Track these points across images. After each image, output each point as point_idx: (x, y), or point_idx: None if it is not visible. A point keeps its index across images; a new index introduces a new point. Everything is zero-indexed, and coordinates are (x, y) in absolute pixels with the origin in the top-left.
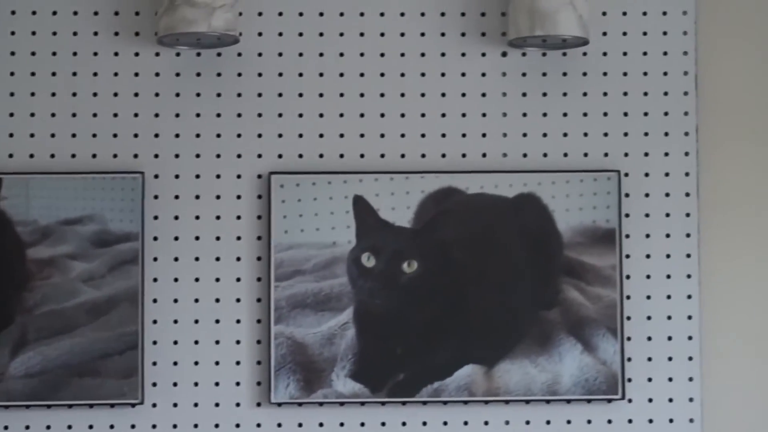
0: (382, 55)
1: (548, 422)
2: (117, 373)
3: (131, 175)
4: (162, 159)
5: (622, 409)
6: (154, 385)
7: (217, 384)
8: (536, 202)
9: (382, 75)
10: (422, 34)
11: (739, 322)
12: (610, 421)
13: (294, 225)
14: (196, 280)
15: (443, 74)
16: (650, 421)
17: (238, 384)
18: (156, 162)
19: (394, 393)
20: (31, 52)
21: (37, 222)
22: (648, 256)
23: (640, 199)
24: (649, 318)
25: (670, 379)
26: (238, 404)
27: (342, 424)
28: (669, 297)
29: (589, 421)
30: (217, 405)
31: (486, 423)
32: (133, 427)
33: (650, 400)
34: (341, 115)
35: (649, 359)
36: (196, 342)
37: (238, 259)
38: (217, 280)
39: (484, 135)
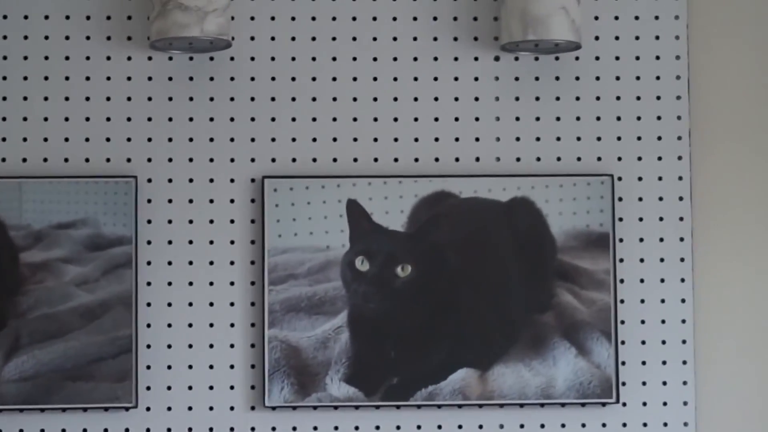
0: (375, 59)
1: (542, 426)
2: (111, 377)
3: (124, 179)
4: (155, 163)
5: (616, 413)
6: (148, 388)
7: (211, 388)
8: (530, 206)
9: (375, 79)
10: (414, 39)
11: (733, 326)
12: (604, 425)
13: (287, 229)
14: (190, 284)
15: (436, 78)
16: (645, 424)
17: (232, 388)
18: (149, 166)
19: (389, 397)
20: (23, 57)
21: (30, 226)
22: (642, 260)
23: (634, 203)
24: (643, 322)
25: (665, 383)
26: (232, 408)
27: (336, 428)
28: (663, 301)
29: (583, 425)
30: (211, 409)
31: (480, 427)
32: (127, 430)
33: (644, 404)
34: (334, 119)
35: (643, 363)
36: (190, 346)
37: (232, 263)
38: (211, 284)
39: (477, 139)
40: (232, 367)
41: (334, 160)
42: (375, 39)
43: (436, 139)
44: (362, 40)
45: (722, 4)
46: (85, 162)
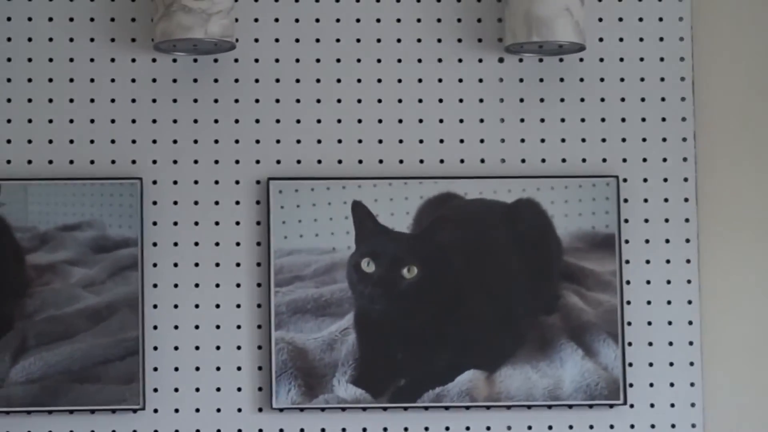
0: (379, 60)
1: (550, 427)
2: (118, 379)
3: (129, 180)
4: (160, 165)
5: (624, 415)
6: (155, 390)
7: (218, 389)
8: (535, 207)
9: (379, 81)
10: (419, 40)
11: (740, 327)
12: (612, 426)
13: (293, 231)
14: (196, 285)
15: (440, 80)
16: (652, 426)
17: (239, 389)
18: (154, 168)
19: (396, 398)
20: (27, 59)
21: (36, 228)
22: (648, 262)
23: (639, 204)
24: (649, 323)
25: (672, 384)
26: (239, 410)
27: (344, 430)
28: (669, 302)
29: (591, 427)
30: (218, 411)
31: (488, 428)
32: None
33: (652, 405)
34: (339, 120)
35: (651, 364)
36: (197, 348)
37: (238, 264)
38: (217, 285)
39: (482, 141)
40: (239, 368)
41: (339, 161)
42: (379, 41)
43: (441, 141)
44: (366, 41)
45: (726, 6)
46: (90, 164)
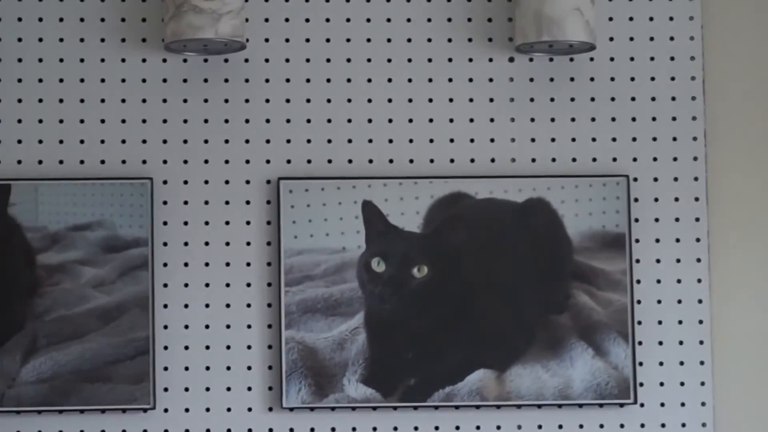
0: (389, 60)
1: (560, 427)
2: (128, 379)
3: (140, 180)
4: (170, 165)
5: (634, 414)
6: (166, 390)
7: (228, 389)
8: (545, 206)
9: (390, 81)
10: (429, 40)
11: (750, 326)
12: (622, 426)
13: (303, 230)
14: (207, 285)
15: (450, 80)
16: (663, 425)
17: (249, 389)
18: (164, 168)
19: (406, 398)
20: (38, 59)
21: (46, 228)
22: (658, 261)
23: (650, 203)
24: (660, 322)
25: (682, 384)
26: (249, 409)
27: (354, 429)
28: (680, 302)
29: (601, 426)
30: (228, 410)
31: (498, 427)
32: None
33: (662, 405)
34: (349, 120)
35: (661, 364)
36: (207, 347)
37: (248, 264)
38: (228, 285)
39: (492, 140)
40: (249, 368)
41: (350, 161)
42: (389, 40)
43: (451, 140)
44: (377, 41)
45: (737, 5)
46: (101, 164)
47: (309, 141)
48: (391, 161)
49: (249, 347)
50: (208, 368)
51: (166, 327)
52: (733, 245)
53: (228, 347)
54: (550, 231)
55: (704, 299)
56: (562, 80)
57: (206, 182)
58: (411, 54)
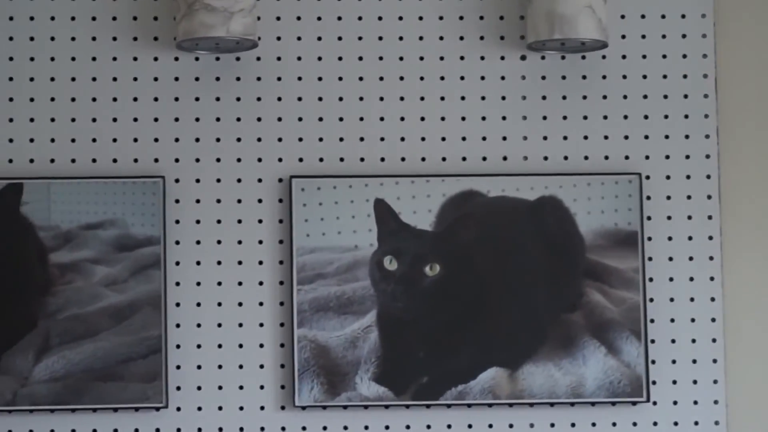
0: (401, 58)
1: (573, 425)
2: (141, 377)
3: (152, 179)
4: (183, 163)
5: (647, 412)
6: (178, 388)
7: (241, 387)
8: (558, 204)
9: (402, 78)
10: (441, 38)
11: (763, 324)
12: (635, 424)
13: (316, 228)
14: (219, 284)
15: (462, 78)
16: (675, 423)
17: (262, 387)
18: (177, 166)
19: (419, 396)
20: (50, 58)
21: (58, 227)
22: (670, 259)
23: (662, 201)
24: (672, 320)
25: (695, 382)
26: (262, 407)
27: (366, 428)
28: (692, 300)
29: (614, 424)
30: (241, 408)
31: (511, 426)
32: (157, 430)
33: (675, 403)
34: (361, 118)
35: (674, 362)
36: (220, 346)
37: (261, 262)
38: (240, 283)
39: (504, 138)
40: (261, 366)
41: (362, 159)
42: (401, 38)
43: (464, 138)
44: (388, 39)
45: (749, 2)
46: (113, 162)
47: (321, 139)
48: (403, 159)
49: (261, 346)
50: (220, 367)
51: (178, 325)
52: (745, 243)
53: (240, 346)
54: (563, 229)
55: (717, 297)
56: (574, 78)
57: (218, 181)
58: (423, 52)
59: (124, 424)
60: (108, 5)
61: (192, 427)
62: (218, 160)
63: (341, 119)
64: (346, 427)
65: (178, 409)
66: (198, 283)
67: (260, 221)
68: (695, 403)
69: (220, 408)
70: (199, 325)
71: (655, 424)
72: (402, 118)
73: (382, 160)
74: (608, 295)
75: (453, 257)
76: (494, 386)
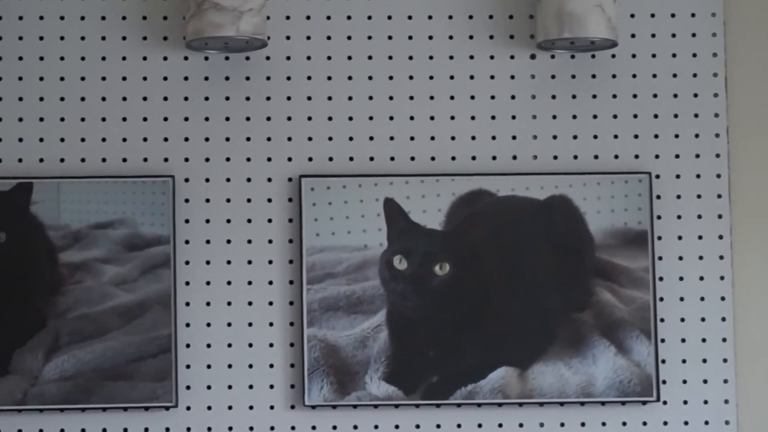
0: (411, 57)
1: (583, 424)
2: (150, 377)
3: (162, 178)
4: (192, 163)
5: (657, 411)
6: (188, 388)
7: (250, 387)
8: (568, 204)
9: (411, 78)
10: (450, 37)
11: None
12: (645, 423)
13: (325, 228)
14: (228, 283)
15: (472, 77)
16: (686, 423)
17: (271, 387)
18: (186, 166)
19: (428, 395)
20: (59, 57)
21: (68, 226)
22: (680, 258)
23: (672, 200)
24: (682, 320)
25: (705, 381)
26: (272, 407)
27: (376, 427)
28: (702, 299)
29: (624, 423)
30: (251, 408)
31: (521, 425)
32: (167, 430)
33: (685, 402)
34: (371, 118)
35: (684, 361)
36: (230, 345)
37: (270, 262)
38: (249, 283)
39: (514, 137)
40: (271, 366)
41: (371, 158)
42: (411, 38)
43: (473, 138)
44: (398, 38)
45: (759, 1)
46: (123, 162)
47: (330, 138)
48: (412, 158)
49: (271, 345)
50: (230, 366)
51: (188, 325)
52: (755, 242)
53: (250, 345)
54: (572, 228)
55: (727, 296)
56: (583, 77)
57: (228, 180)
58: (432, 51)
59: (134, 424)
60: (118, 5)
61: (202, 426)
62: (228, 159)
63: (351, 118)
64: (355, 427)
65: (188, 408)
66: (208, 283)
67: (270, 221)
68: (705, 402)
69: (229, 407)
70: (208, 325)
71: (665, 423)
72: (411, 118)
73: (392, 159)
74: (618, 295)
75: (463, 257)
76: (504, 386)
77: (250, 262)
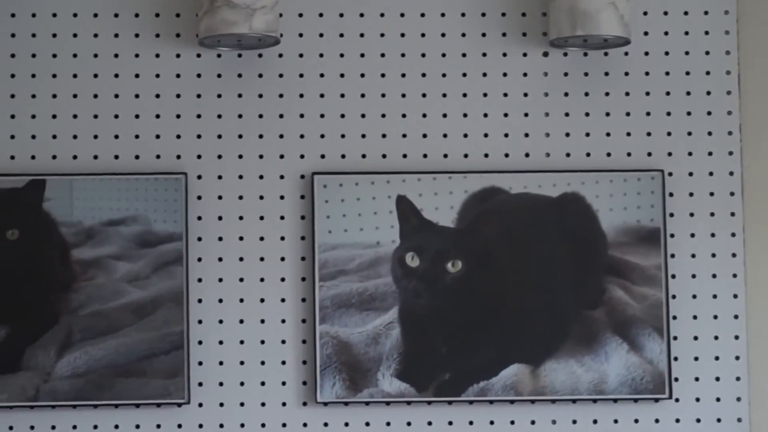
0: (423, 55)
1: (595, 421)
2: (163, 373)
3: (174, 175)
4: (205, 160)
5: (669, 409)
6: (200, 384)
7: (263, 384)
8: (580, 201)
9: (424, 75)
10: (463, 35)
11: None
12: (657, 421)
13: (337, 225)
14: (241, 280)
15: (485, 74)
16: (698, 420)
17: (284, 384)
18: (199, 163)
19: (441, 392)
20: (72, 54)
21: (81, 223)
22: (693, 256)
23: (685, 198)
24: (695, 317)
25: (717, 379)
26: (284, 404)
27: (388, 424)
28: (715, 296)
29: (636, 421)
30: (263, 405)
31: (533, 422)
32: (179, 426)
33: (697, 400)
34: (383, 115)
35: (696, 359)
36: (242, 342)
37: (283, 259)
38: (262, 280)
39: (526, 135)
40: (283, 363)
41: (384, 156)
42: (423, 35)
43: (486, 135)
44: (411, 36)
45: None
46: (135, 159)
47: (343, 136)
48: (425, 156)
49: (283, 342)
50: (242, 363)
51: (200, 322)
52: None
53: (262, 342)
54: (585, 226)
55: (739, 294)
56: (596, 75)
57: (240, 177)
58: (445, 49)
59: (146, 420)
60: (131, 2)
61: (214, 423)
62: (240, 156)
63: (363, 116)
64: (368, 423)
65: (200, 405)
66: (220, 280)
67: (282, 218)
68: (718, 400)
69: (242, 404)
70: (221, 321)
71: (677, 421)
72: (424, 115)
73: (404, 156)
74: (630, 292)
75: (475, 254)
76: (516, 383)
77: (262, 259)
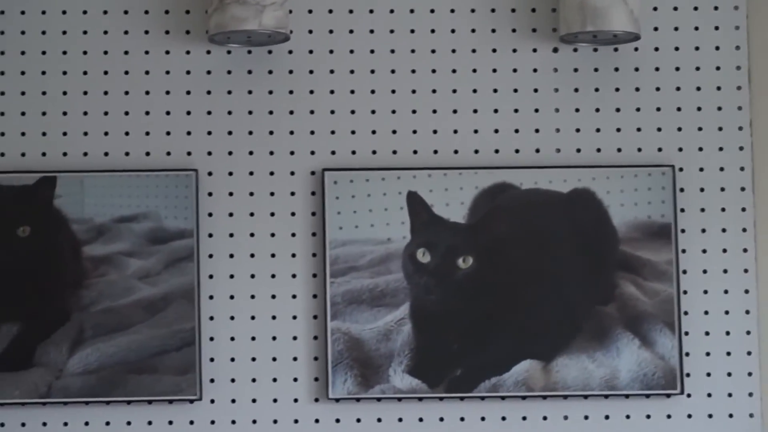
0: (433, 51)
1: (607, 417)
2: (174, 370)
3: (185, 172)
4: (215, 156)
5: (681, 404)
6: (212, 381)
7: (274, 380)
8: (591, 197)
9: (434, 71)
10: (473, 31)
11: None
12: (669, 416)
13: (348, 221)
14: (252, 276)
15: (495, 70)
16: (710, 416)
17: (295, 380)
18: (209, 159)
19: (452, 388)
20: (82, 51)
21: (92, 220)
22: (704, 251)
23: (695, 193)
24: (706, 313)
25: (729, 374)
26: (296, 400)
27: (400, 420)
28: (726, 292)
29: (648, 416)
30: (275, 401)
31: (545, 418)
32: (191, 423)
33: (709, 395)
34: (393, 111)
35: (708, 354)
36: (253, 338)
37: (293, 255)
38: (273, 276)
39: (537, 130)
40: (295, 359)
41: (394, 152)
42: (433, 31)
43: (496, 131)
44: (420, 32)
45: None
46: (146, 156)
47: (353, 132)
48: (435, 152)
49: (295, 338)
50: (254, 359)
51: (212, 318)
52: None
53: (274, 338)
54: (596, 221)
55: (751, 290)
56: (606, 70)
57: (251, 173)
58: (455, 45)
59: (158, 417)
60: None
61: (226, 419)
62: (251, 153)
63: (373, 112)
64: (379, 420)
65: (212, 401)
66: (231, 276)
67: (293, 214)
68: (729, 395)
69: (253, 400)
70: (232, 318)
71: (689, 416)
72: (434, 111)
73: (415, 152)
74: (642, 288)
75: (486, 250)
76: (528, 378)
77: (273, 256)
